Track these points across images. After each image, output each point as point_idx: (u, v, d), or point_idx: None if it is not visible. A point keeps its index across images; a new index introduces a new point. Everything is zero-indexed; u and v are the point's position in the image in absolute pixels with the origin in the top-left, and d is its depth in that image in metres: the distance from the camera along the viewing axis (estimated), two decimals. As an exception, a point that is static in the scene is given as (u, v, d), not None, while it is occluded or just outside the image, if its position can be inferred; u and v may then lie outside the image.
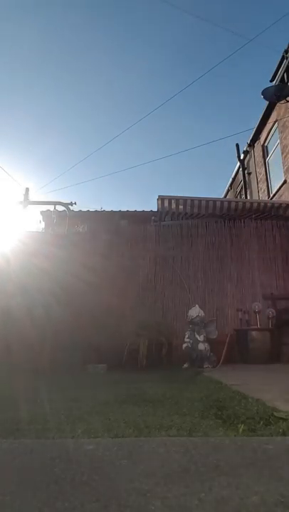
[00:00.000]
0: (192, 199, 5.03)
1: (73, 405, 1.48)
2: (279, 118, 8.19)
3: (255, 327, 4.63)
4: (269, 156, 9.42)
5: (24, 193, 7.07)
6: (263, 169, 9.65)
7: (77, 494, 0.64)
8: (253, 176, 10.48)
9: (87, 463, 0.79)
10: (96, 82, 19.81)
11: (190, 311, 4.06)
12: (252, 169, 10.51)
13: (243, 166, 10.93)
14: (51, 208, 5.71)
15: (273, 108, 8.46)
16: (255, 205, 5.22)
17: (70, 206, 5.48)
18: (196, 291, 5.11)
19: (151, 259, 5.09)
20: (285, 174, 8.01)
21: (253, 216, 5.46)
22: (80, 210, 5.98)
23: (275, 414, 1.22)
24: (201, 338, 3.88)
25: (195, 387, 2.09)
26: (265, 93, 6.59)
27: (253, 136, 10.05)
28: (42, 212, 6.12)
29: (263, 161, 9.71)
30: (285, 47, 7.64)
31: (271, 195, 8.91)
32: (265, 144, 9.63)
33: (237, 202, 5.40)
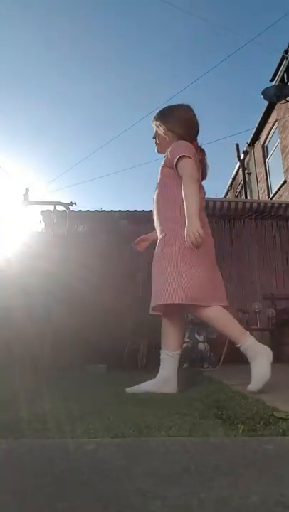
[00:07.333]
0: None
1: (73, 405, 1.48)
2: (279, 118, 8.19)
3: (255, 327, 4.63)
4: (269, 156, 9.41)
5: (24, 193, 7.07)
6: (263, 169, 9.65)
7: (77, 494, 0.64)
8: (253, 175, 10.48)
9: (87, 463, 0.79)
10: (96, 84, 19.77)
11: (190, 311, 4.05)
12: (252, 169, 10.50)
13: (243, 166, 10.92)
14: (51, 208, 5.70)
15: (273, 108, 8.46)
16: (255, 205, 5.22)
17: (70, 206, 5.47)
18: (196, 291, 5.10)
19: (152, 259, 5.09)
20: (285, 174, 8.01)
21: (253, 216, 5.47)
22: (80, 210, 5.98)
23: (275, 414, 1.22)
24: (201, 338, 3.88)
25: (195, 387, 2.09)
26: (265, 93, 6.59)
27: (253, 136, 10.05)
28: (42, 213, 6.12)
29: (263, 161, 9.71)
30: (285, 47, 7.64)
31: (271, 195, 8.91)
32: (265, 144, 9.63)
33: (237, 202, 5.40)
